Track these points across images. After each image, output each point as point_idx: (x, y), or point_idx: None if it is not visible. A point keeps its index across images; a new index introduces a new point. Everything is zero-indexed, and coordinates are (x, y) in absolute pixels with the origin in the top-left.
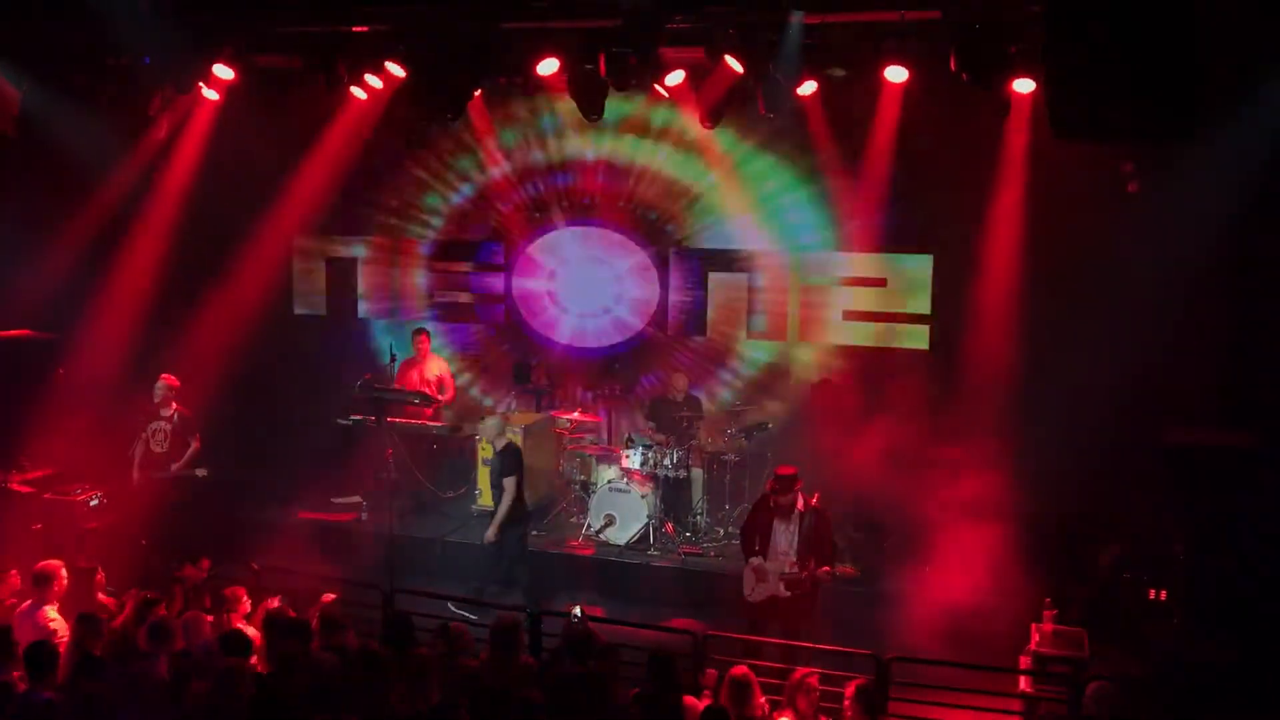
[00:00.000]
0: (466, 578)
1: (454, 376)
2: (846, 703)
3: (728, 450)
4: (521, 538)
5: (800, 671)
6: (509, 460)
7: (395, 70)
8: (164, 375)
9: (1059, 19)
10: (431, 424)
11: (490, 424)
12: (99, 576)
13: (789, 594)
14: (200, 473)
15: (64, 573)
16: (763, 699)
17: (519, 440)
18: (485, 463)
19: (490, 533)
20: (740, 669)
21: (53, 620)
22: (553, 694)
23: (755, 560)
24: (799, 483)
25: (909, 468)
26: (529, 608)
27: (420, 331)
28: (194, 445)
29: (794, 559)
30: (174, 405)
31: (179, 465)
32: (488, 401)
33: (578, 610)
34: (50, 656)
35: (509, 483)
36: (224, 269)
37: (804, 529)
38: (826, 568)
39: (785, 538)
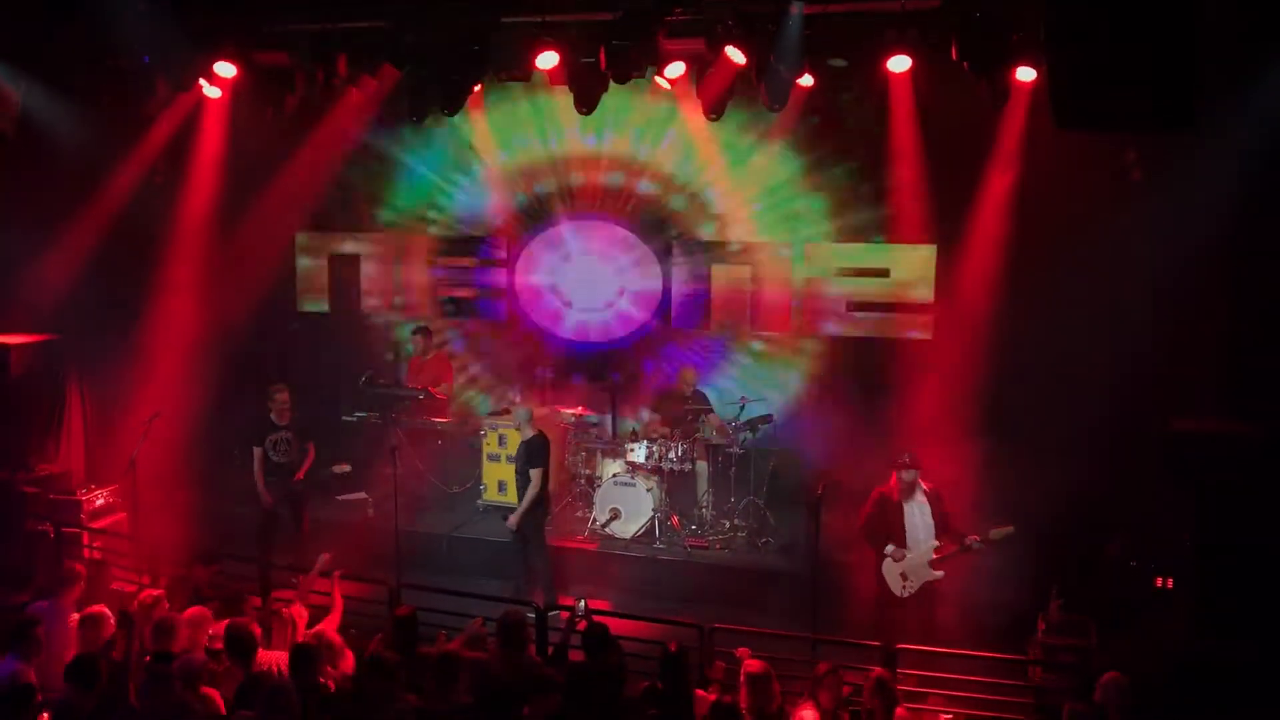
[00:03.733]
0: (473, 572)
1: (453, 371)
2: (866, 694)
3: (732, 443)
4: (540, 528)
5: (824, 665)
6: (535, 451)
7: (395, 66)
8: (276, 387)
9: (1060, 8)
10: (437, 419)
11: (520, 414)
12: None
13: (941, 574)
14: (340, 469)
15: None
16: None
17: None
18: (490, 458)
19: (512, 520)
20: (758, 662)
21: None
22: (568, 687)
23: (895, 551)
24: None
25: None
26: (548, 603)
27: (419, 330)
28: (311, 451)
29: (933, 540)
30: (289, 414)
31: (301, 472)
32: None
33: (582, 603)
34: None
35: (535, 474)
36: (227, 266)
37: (936, 508)
38: (975, 535)
39: (923, 522)
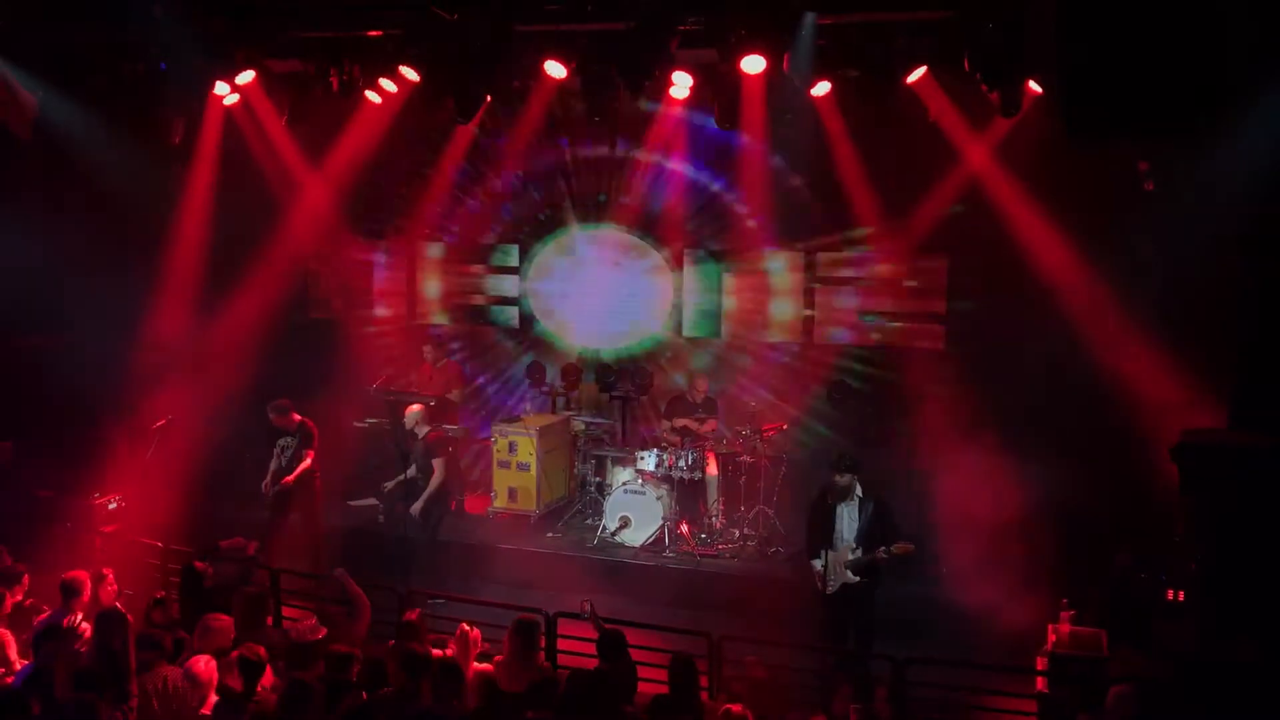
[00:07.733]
0: (480, 578)
1: (464, 378)
2: (879, 704)
3: (743, 451)
4: (440, 518)
5: (838, 676)
6: (436, 446)
7: (409, 74)
8: (281, 400)
9: (1072, 18)
10: (447, 426)
11: (412, 414)
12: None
13: (858, 580)
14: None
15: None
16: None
17: (535, 441)
18: (501, 465)
19: (417, 506)
20: (764, 670)
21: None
22: (573, 691)
23: (816, 562)
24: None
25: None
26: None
27: (431, 338)
28: (307, 458)
29: (854, 544)
30: (294, 422)
31: (289, 477)
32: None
33: (589, 606)
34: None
35: (438, 464)
36: (239, 275)
37: (866, 515)
38: (883, 548)
39: (849, 525)
